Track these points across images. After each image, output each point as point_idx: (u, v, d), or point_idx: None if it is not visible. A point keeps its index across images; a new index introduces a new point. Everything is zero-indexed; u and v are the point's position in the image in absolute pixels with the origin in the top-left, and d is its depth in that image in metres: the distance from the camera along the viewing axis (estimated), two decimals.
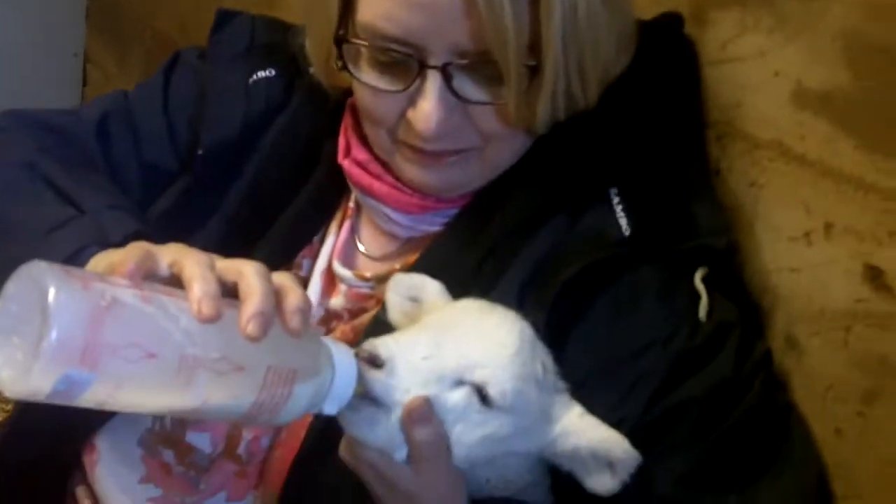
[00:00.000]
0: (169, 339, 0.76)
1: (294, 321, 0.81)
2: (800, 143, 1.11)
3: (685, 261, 1.08)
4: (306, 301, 0.83)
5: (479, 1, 0.97)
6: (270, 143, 1.26)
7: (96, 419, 1.18)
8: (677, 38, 1.23)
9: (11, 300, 0.74)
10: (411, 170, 1.14)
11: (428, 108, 1.04)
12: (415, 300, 1.05)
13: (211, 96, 1.28)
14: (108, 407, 0.77)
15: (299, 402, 0.84)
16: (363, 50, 1.08)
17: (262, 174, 1.25)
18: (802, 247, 1.11)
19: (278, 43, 1.30)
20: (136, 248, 0.85)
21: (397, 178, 1.17)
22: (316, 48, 1.19)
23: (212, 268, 0.81)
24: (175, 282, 0.82)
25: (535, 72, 1.03)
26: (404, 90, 1.06)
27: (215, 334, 0.79)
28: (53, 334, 0.70)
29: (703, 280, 1.07)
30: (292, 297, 0.82)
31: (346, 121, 1.22)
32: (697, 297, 1.06)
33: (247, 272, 0.81)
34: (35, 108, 1.37)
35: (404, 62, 1.05)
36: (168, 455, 1.15)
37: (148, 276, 0.82)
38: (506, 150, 1.12)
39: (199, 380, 0.78)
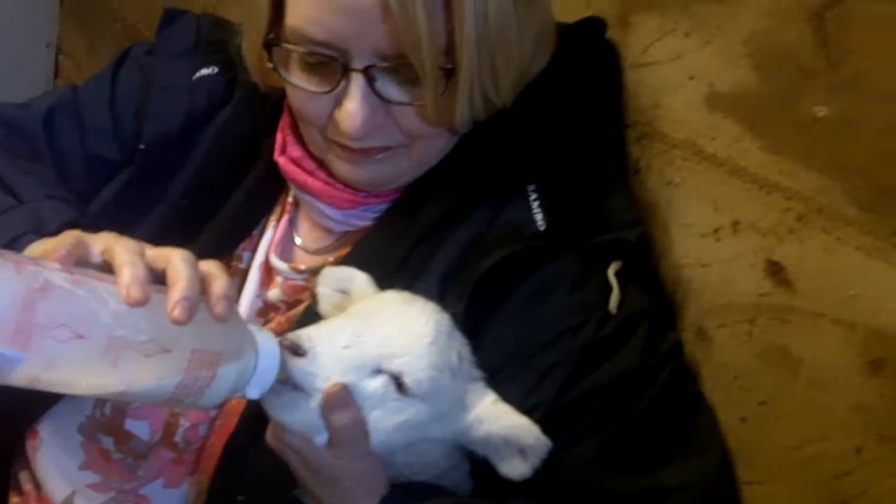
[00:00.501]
0: (98, 320, 0.79)
1: (219, 307, 0.85)
2: (711, 143, 1.16)
3: (599, 254, 1.12)
4: (231, 288, 0.87)
5: (395, 8, 1.01)
6: (212, 138, 1.29)
7: (39, 406, 1.22)
8: (599, 41, 1.27)
9: None
10: (342, 167, 1.18)
11: (352, 109, 1.08)
12: (344, 292, 1.09)
13: (155, 91, 1.32)
14: (39, 386, 0.80)
15: (223, 385, 0.87)
16: (292, 53, 1.11)
17: (203, 168, 1.28)
18: (712, 242, 1.16)
19: (222, 41, 1.33)
20: (69, 236, 0.88)
21: (330, 175, 1.21)
22: (250, 50, 1.22)
23: (141, 255, 0.85)
24: (106, 269, 0.85)
25: (450, 74, 1.07)
26: (331, 91, 1.09)
27: (143, 318, 0.82)
28: None
29: (617, 273, 1.11)
30: (218, 284, 0.86)
31: (284, 119, 1.26)
32: (610, 289, 1.10)
33: (174, 260, 0.85)
34: (4, 98, 1.40)
35: (330, 65, 1.08)
36: (107, 442, 1.18)
37: (80, 262, 0.86)
38: (431, 148, 1.16)
39: (126, 361, 0.81)
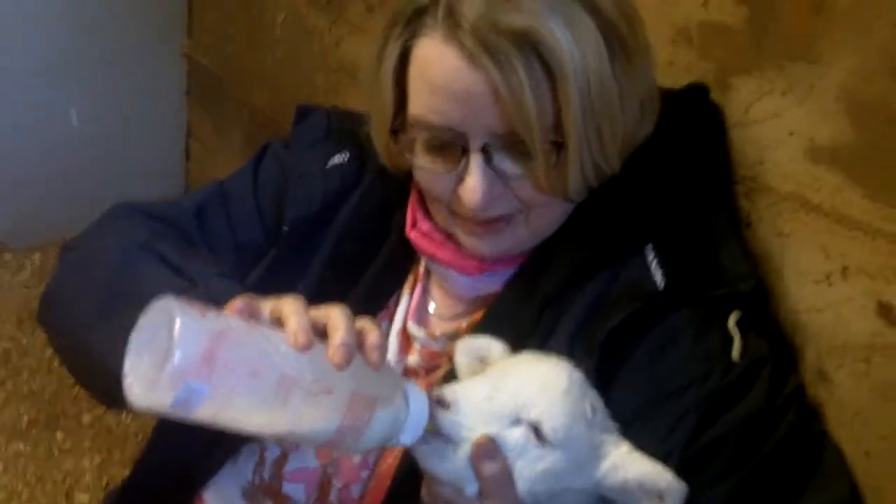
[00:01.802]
0: (271, 360, 0.91)
1: (374, 355, 0.96)
2: (816, 194, 1.22)
3: (717, 306, 1.18)
4: (383, 340, 0.98)
5: (504, 92, 1.11)
6: (347, 216, 1.40)
7: (204, 474, 1.33)
8: (704, 104, 1.34)
9: (143, 330, 0.91)
10: (468, 240, 1.27)
11: (473, 184, 1.18)
12: (482, 360, 1.16)
13: (293, 179, 1.44)
14: (217, 421, 0.91)
15: (378, 429, 0.97)
16: (416, 138, 1.22)
17: (341, 245, 1.39)
18: (824, 288, 1.22)
19: (351, 130, 1.44)
20: (241, 298, 1.00)
21: (458, 245, 1.29)
22: (378, 137, 1.33)
23: (305, 308, 0.97)
24: (275, 325, 0.97)
25: (560, 147, 1.15)
26: (453, 170, 1.20)
27: (308, 361, 0.93)
28: (178, 352, 0.85)
29: (737, 323, 1.17)
30: (372, 336, 0.97)
31: (412, 196, 1.36)
32: (730, 339, 1.16)
33: (333, 314, 0.96)
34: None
35: (450, 146, 1.19)
36: None
37: (252, 318, 0.97)
38: (547, 216, 1.24)
39: (294, 398, 0.91)
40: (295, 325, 0.93)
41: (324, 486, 1.27)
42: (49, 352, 3.35)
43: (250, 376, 0.90)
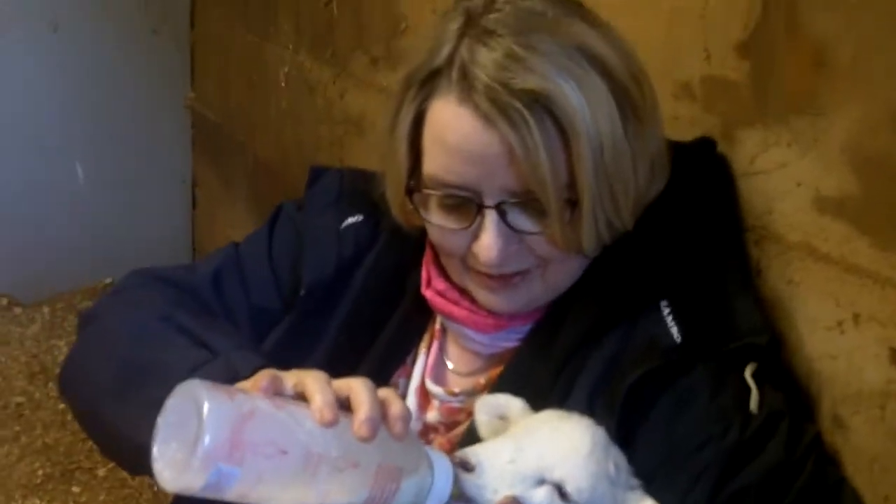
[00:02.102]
0: (297, 438, 0.93)
1: (398, 426, 0.98)
2: (824, 244, 1.24)
3: (733, 359, 1.19)
4: (407, 410, 1.00)
5: (520, 152, 1.14)
6: (362, 278, 1.42)
7: None
8: (711, 157, 1.36)
9: (170, 413, 0.93)
10: (483, 295, 1.29)
11: (488, 241, 1.20)
12: (502, 417, 1.17)
13: (308, 242, 1.46)
14: (248, 499, 0.93)
15: (405, 498, 0.99)
16: (431, 196, 1.25)
17: (357, 307, 1.41)
18: (836, 335, 1.23)
19: (364, 191, 1.46)
20: (265, 373, 1.01)
21: (474, 303, 1.31)
22: (393, 196, 1.35)
23: (328, 383, 0.98)
24: (299, 399, 0.99)
25: (574, 204, 1.18)
26: (468, 227, 1.22)
27: (334, 437, 0.94)
28: (207, 436, 0.87)
29: (753, 375, 1.18)
30: (395, 407, 0.99)
31: (427, 255, 1.38)
32: (747, 391, 1.17)
33: (356, 387, 0.98)
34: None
35: (465, 204, 1.21)
36: None
37: (276, 394, 0.99)
38: (562, 272, 1.26)
39: (322, 474, 0.93)
40: (320, 402, 0.95)
41: None
42: (62, 405, 3.37)
43: (278, 455, 0.91)
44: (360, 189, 1.48)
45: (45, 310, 4.03)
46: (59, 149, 3.86)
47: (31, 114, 3.78)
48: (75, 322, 1.53)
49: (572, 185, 1.17)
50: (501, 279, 1.26)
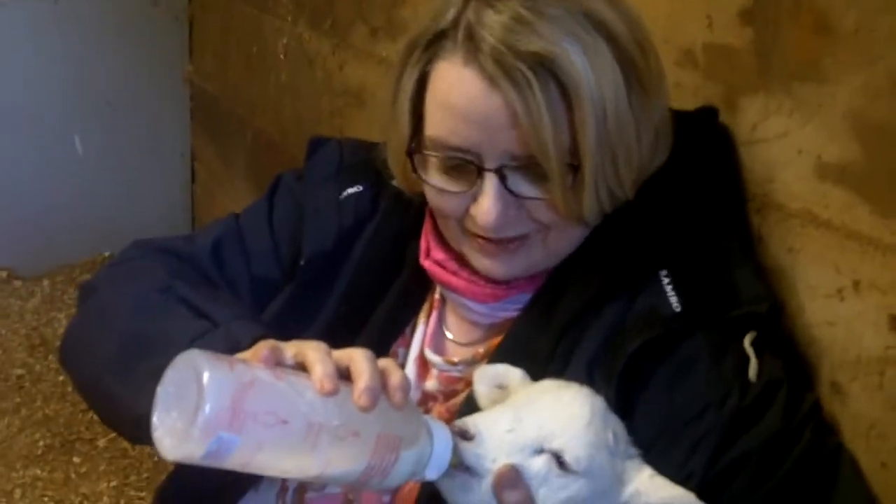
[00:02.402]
0: (298, 408, 0.94)
1: (397, 396, 0.99)
2: (825, 210, 1.24)
3: (733, 328, 1.19)
4: (407, 380, 1.01)
5: (522, 116, 1.14)
6: (362, 249, 1.43)
7: (227, 501, 1.34)
8: (713, 126, 1.36)
9: (171, 383, 0.93)
10: (481, 261, 1.28)
11: (488, 205, 1.20)
12: (500, 387, 1.17)
13: (308, 213, 1.46)
14: (249, 468, 0.94)
15: (404, 468, 1.00)
16: (431, 159, 1.25)
17: (357, 277, 1.42)
18: (836, 302, 1.23)
19: (363, 161, 1.47)
20: (265, 344, 1.02)
21: (473, 273, 1.31)
22: (395, 160, 1.36)
23: (329, 353, 0.99)
24: (299, 369, 0.99)
25: (576, 170, 1.18)
26: (468, 190, 1.22)
27: (334, 406, 0.96)
28: (208, 406, 0.88)
29: (752, 343, 1.18)
30: (395, 377, 1.00)
31: (426, 225, 1.38)
32: (746, 359, 1.17)
33: (357, 357, 0.99)
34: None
35: (466, 167, 1.21)
36: None
37: (276, 364, 1.00)
38: (563, 239, 1.26)
39: (322, 444, 0.94)
40: (320, 372, 0.96)
41: None
42: (62, 377, 3.39)
43: (279, 425, 0.92)
44: (360, 159, 1.49)
45: (45, 283, 4.04)
46: (58, 122, 3.86)
47: (29, 86, 3.77)
48: (75, 295, 1.53)
49: (574, 150, 1.17)
50: (499, 244, 1.26)
